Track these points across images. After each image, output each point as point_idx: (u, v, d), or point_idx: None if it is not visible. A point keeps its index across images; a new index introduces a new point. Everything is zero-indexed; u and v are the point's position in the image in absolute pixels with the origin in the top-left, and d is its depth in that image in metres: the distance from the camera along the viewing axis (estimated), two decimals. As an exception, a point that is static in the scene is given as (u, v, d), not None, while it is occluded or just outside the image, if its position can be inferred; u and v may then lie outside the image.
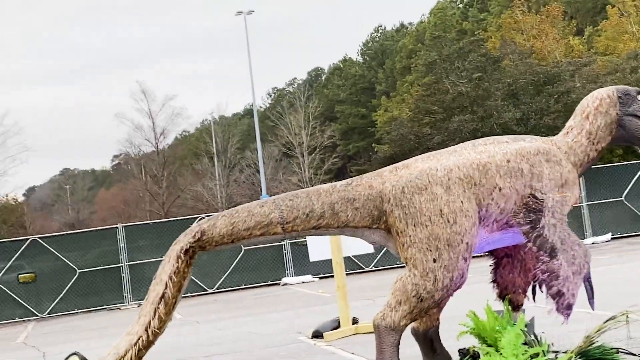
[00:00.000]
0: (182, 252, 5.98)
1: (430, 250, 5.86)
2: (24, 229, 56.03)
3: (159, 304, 5.89)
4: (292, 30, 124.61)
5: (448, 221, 5.88)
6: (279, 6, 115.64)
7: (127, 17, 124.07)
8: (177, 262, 5.95)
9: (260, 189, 50.15)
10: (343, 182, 6.25)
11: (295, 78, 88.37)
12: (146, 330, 5.85)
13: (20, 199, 64.91)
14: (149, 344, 5.85)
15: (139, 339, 5.82)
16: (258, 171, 54.18)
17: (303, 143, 56.17)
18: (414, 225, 5.92)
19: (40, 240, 20.76)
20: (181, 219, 22.72)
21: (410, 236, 5.91)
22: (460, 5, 65.35)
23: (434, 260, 5.84)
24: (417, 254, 5.87)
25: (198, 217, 21.28)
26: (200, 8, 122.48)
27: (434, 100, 42.23)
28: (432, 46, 49.22)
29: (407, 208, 5.94)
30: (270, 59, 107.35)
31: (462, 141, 8.25)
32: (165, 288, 5.90)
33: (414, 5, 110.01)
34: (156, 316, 5.88)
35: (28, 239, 20.84)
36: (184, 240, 6.04)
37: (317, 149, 55.98)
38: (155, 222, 23.35)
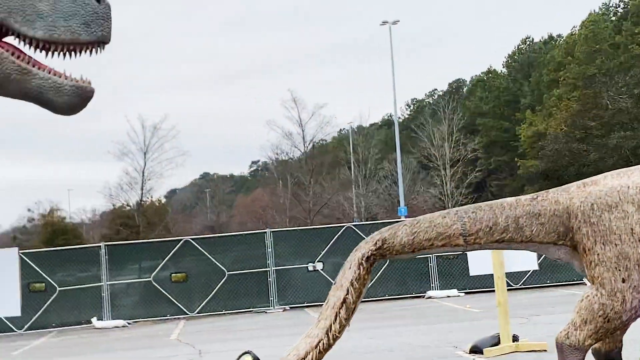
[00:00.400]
0: (364, 259, 5.98)
1: (619, 270, 5.64)
2: (168, 230, 57.92)
3: (340, 308, 5.91)
4: (434, 40, 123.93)
5: (639, 240, 5.66)
6: (423, 16, 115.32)
7: (277, 25, 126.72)
8: (359, 269, 5.95)
9: (398, 201, 50.06)
10: (527, 196, 6.09)
11: (436, 89, 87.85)
12: (327, 333, 5.88)
13: (163, 200, 67.26)
14: (329, 347, 5.88)
15: (319, 341, 5.86)
16: (395, 182, 54.15)
17: (445, 155, 55.61)
18: (603, 244, 5.72)
19: (192, 241, 21.41)
20: (327, 227, 22.93)
21: (598, 254, 5.71)
22: (614, 18, 63.14)
23: (623, 280, 5.61)
24: (605, 273, 5.66)
25: (344, 226, 21.47)
26: (344, 17, 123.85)
27: (591, 115, 40.90)
28: (585, 60, 47.77)
29: (596, 225, 5.74)
30: (410, 69, 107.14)
31: (621, 159, 7.89)
32: (347, 294, 5.91)
33: (564, 16, 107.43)
34: (337, 320, 5.90)
35: (180, 239, 21.44)
36: (365, 247, 6.04)
37: (460, 162, 55.24)
38: (302, 229, 23.67)
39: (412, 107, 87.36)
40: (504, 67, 76.19)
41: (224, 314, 20.93)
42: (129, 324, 20.15)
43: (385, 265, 20.94)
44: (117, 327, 19.91)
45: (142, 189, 55.98)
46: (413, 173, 58.49)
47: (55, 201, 72.98)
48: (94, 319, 20.37)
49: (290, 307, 20.90)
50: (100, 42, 5.00)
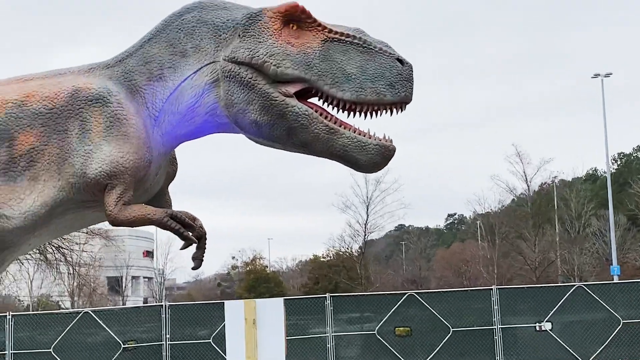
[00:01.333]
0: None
1: None
2: (369, 282, 58.10)
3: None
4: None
5: None
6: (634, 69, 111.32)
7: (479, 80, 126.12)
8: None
9: (608, 260, 47.81)
10: None
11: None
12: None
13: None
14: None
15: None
16: (605, 241, 51.71)
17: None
18: None
19: (416, 295, 21.28)
20: (556, 286, 22.27)
21: None
22: None
23: None
24: None
25: (574, 285, 20.69)
26: (549, 70, 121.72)
27: None
28: None
29: None
30: (617, 122, 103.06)
31: None
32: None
33: None
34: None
35: (405, 293, 21.45)
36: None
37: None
38: (528, 287, 23.06)
39: (619, 162, 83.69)
40: None
41: (447, 371, 20.69)
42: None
43: (619, 326, 19.92)
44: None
45: (364, 241, 56.78)
46: (623, 230, 55.72)
47: (258, 249, 75.24)
48: None
49: (516, 368, 20.35)
50: (403, 102, 5.01)
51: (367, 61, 5.04)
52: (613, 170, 79.13)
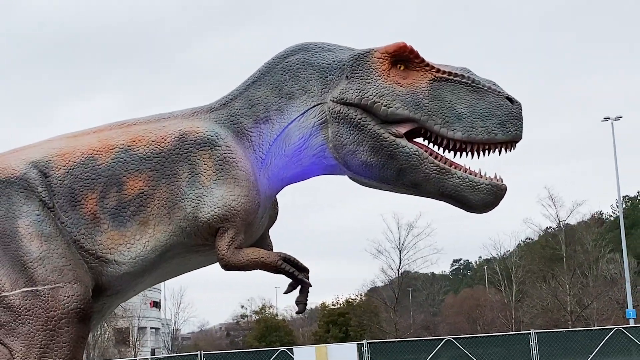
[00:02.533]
0: None
1: None
2: (380, 329, 57.60)
3: None
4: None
5: None
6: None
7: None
8: None
9: (625, 303, 47.50)
10: None
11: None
12: None
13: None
14: None
15: None
16: (615, 284, 51.36)
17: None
18: None
19: (453, 341, 21.06)
20: (595, 329, 22.03)
21: None
22: None
23: None
24: None
25: (613, 328, 20.50)
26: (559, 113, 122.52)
27: None
28: None
29: None
30: (623, 165, 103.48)
31: None
32: None
33: None
34: None
35: (442, 338, 21.28)
36: None
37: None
38: (567, 331, 22.88)
39: (624, 205, 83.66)
40: None
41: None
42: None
43: None
44: None
45: (399, 287, 56.45)
46: (633, 273, 55.40)
47: (267, 298, 74.82)
48: None
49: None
50: (514, 141, 4.98)
51: (476, 100, 5.01)
52: (618, 214, 79.08)
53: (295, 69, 5.30)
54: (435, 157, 5.02)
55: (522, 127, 5.07)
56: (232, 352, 24.82)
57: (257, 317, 67.80)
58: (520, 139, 5.11)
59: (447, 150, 5.11)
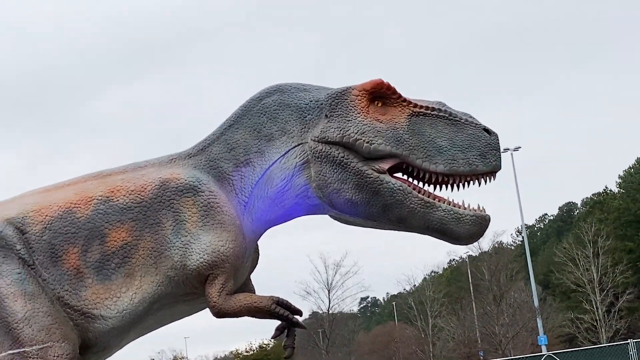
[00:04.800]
0: None
1: None
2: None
3: None
4: (542, 166, 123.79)
5: None
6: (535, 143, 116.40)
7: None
8: None
9: (527, 331, 48.58)
10: None
11: (546, 214, 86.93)
12: None
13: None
14: None
15: None
16: (520, 310, 52.57)
17: (594, 280, 53.79)
18: None
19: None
20: (526, 357, 22.38)
21: None
22: None
23: None
24: None
25: (543, 354, 20.87)
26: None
27: None
28: None
29: None
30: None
31: None
32: None
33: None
34: None
35: None
36: None
37: (610, 286, 53.29)
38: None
39: (521, 233, 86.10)
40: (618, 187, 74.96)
41: None
42: None
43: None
44: None
45: (330, 327, 56.25)
46: (540, 300, 56.88)
47: (178, 349, 73.36)
48: None
49: None
50: (494, 171, 5.12)
51: (455, 133, 5.12)
52: (518, 243, 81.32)
53: (272, 111, 5.31)
54: (419, 192, 5.08)
55: (500, 158, 5.20)
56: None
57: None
58: (500, 169, 5.23)
59: (429, 184, 5.17)
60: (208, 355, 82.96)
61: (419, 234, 5.35)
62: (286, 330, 5.27)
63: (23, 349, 4.67)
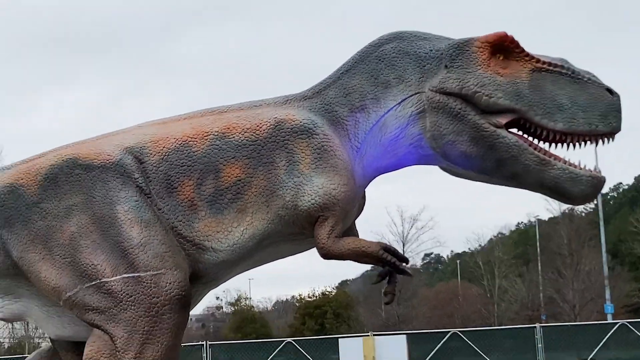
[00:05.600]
0: None
1: None
2: (357, 322, 57.69)
3: None
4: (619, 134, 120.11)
5: None
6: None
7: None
8: None
9: (594, 299, 47.96)
10: None
11: (621, 183, 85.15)
12: None
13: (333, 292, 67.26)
14: None
15: None
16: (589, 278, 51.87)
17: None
18: None
19: (459, 334, 21.10)
20: (599, 323, 22.18)
21: None
22: None
23: None
24: None
25: (617, 322, 20.69)
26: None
27: None
28: None
29: None
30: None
31: None
32: None
33: None
34: None
35: (448, 331, 21.31)
36: None
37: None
38: (572, 325, 23.05)
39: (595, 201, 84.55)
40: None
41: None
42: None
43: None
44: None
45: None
46: (609, 269, 55.94)
47: (242, 290, 74.56)
48: None
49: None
50: (614, 132, 5.00)
51: (577, 91, 5.02)
52: (590, 210, 79.86)
53: (390, 58, 5.26)
54: (535, 149, 5.03)
55: (621, 119, 5.10)
56: (239, 343, 24.72)
57: (233, 309, 67.46)
58: (620, 130, 5.13)
59: (545, 142, 5.10)
60: (271, 298, 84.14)
61: (530, 191, 5.30)
62: (388, 277, 5.29)
63: (138, 274, 4.78)
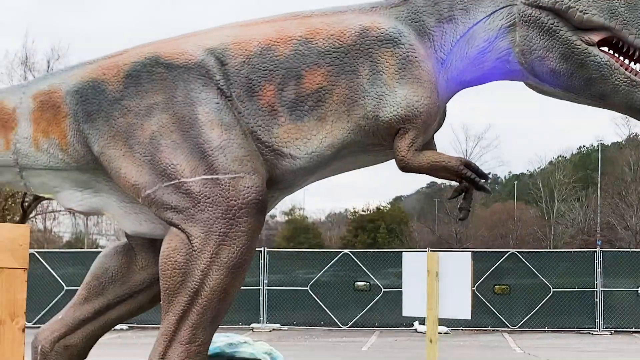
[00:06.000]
0: None
1: None
2: (411, 238, 58.06)
3: None
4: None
5: None
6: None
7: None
8: None
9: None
10: None
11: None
12: None
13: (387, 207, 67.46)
14: None
15: None
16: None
17: None
18: None
19: (517, 254, 21.26)
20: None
21: None
22: None
23: None
24: None
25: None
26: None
27: None
28: None
29: None
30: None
31: None
32: None
33: None
34: None
35: (507, 251, 21.33)
36: None
37: None
38: (633, 251, 22.90)
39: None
40: None
41: (546, 331, 20.60)
42: (448, 332, 20.21)
43: None
44: (440, 333, 19.87)
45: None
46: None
47: (297, 200, 75.36)
48: (416, 323, 20.56)
49: (616, 331, 20.32)
50: None
51: None
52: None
53: None
54: (626, 69, 4.88)
55: None
56: (296, 251, 25.13)
57: (287, 218, 68.37)
58: None
59: (636, 63, 4.95)
60: (324, 209, 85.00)
61: (617, 112, 5.18)
62: (464, 193, 5.24)
63: (216, 176, 4.78)
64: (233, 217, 4.73)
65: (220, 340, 6.14)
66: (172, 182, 4.80)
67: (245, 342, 6.19)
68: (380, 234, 58.35)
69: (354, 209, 65.73)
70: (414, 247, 46.01)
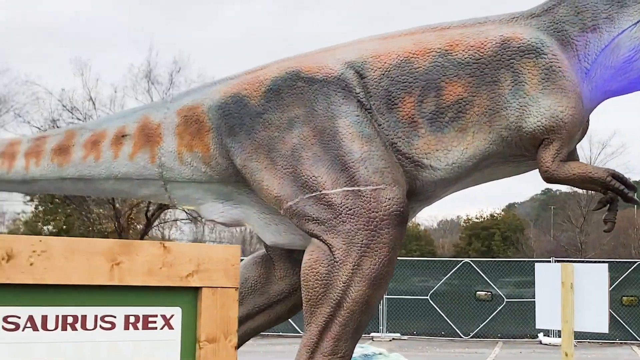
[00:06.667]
0: None
1: None
2: (527, 245, 56.82)
3: None
4: None
5: None
6: None
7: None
8: None
9: None
10: None
11: None
12: None
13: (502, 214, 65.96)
14: None
15: None
16: None
17: None
18: None
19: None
20: None
21: None
22: None
23: None
24: None
25: None
26: None
27: None
28: None
29: None
30: None
31: None
32: None
33: None
34: None
35: (635, 261, 20.54)
36: None
37: None
38: None
39: None
40: None
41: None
42: (575, 344, 19.55)
43: None
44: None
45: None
46: None
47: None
48: (540, 334, 20.07)
49: None
50: None
51: None
52: None
53: None
54: None
55: None
56: (413, 260, 24.96)
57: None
58: None
59: None
60: (437, 217, 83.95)
61: None
62: (609, 205, 5.10)
63: (358, 188, 4.80)
64: (375, 229, 4.74)
65: (356, 351, 6.17)
66: (314, 194, 4.84)
67: (380, 354, 6.19)
68: (495, 242, 57.29)
69: (467, 215, 64.80)
70: (530, 255, 45.00)
